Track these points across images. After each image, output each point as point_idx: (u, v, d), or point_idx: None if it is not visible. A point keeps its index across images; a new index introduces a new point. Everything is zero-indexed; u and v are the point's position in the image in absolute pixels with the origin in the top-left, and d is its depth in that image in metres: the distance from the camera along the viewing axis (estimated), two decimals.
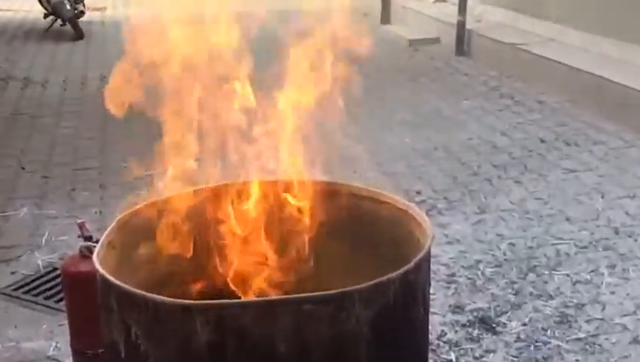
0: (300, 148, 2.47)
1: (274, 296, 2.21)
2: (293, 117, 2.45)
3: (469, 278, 4.06)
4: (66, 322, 3.09)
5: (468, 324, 3.66)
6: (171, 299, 1.97)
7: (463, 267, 4.18)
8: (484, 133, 6.36)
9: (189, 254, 2.39)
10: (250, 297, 2.25)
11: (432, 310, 3.63)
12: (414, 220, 2.37)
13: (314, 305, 1.91)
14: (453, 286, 3.99)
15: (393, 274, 2.02)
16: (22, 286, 4.07)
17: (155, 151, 2.39)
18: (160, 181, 2.45)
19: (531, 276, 4.07)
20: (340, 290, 1.97)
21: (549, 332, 3.59)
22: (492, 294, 3.91)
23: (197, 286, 2.42)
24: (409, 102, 7.31)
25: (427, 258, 2.22)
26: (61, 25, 10.66)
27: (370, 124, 6.53)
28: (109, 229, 2.32)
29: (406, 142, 6.20)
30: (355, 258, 2.44)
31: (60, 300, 3.79)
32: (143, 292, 1.99)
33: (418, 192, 5.16)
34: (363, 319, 1.98)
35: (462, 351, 3.46)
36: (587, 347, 3.47)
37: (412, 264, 2.08)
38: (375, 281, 1.99)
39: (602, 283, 3.99)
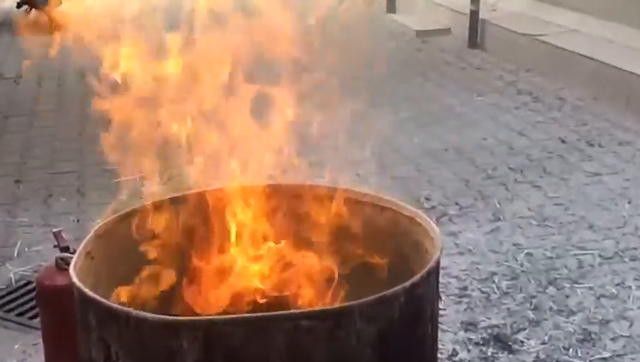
0: (297, 149, 2.48)
1: (267, 311, 2.21)
2: (289, 115, 2.46)
3: (482, 292, 4.06)
4: (41, 340, 3.09)
5: (482, 343, 3.66)
6: (155, 315, 1.97)
7: (476, 280, 4.18)
8: (500, 132, 6.36)
9: (177, 265, 2.40)
10: (242, 313, 2.25)
11: (442, 327, 3.64)
12: (422, 228, 2.38)
13: (311, 322, 1.91)
14: (465, 300, 3.99)
15: (398, 288, 2.02)
16: None
17: (140, 153, 2.40)
18: (145, 185, 2.46)
19: (551, 289, 4.07)
20: (339, 305, 1.98)
21: (570, 351, 3.59)
22: (508, 309, 3.91)
23: (184, 301, 2.42)
24: (417, 99, 7.31)
25: (436, 270, 2.22)
26: (36, 15, 10.67)
27: (374, 123, 6.52)
28: (87, 239, 2.32)
29: (414, 142, 6.20)
30: (356, 270, 2.44)
31: (35, 316, 3.79)
32: (124, 308, 2.00)
33: (427, 198, 5.16)
34: (365, 337, 1.98)
35: None
36: None
37: (419, 276, 2.08)
38: (378, 295, 1.99)
39: (629, 297, 3.99)
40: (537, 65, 7.94)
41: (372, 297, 1.99)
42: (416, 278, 2.07)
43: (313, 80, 2.51)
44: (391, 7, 10.94)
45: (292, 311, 1.98)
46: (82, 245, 2.30)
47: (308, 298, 2.29)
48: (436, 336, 2.31)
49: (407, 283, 2.05)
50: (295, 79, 2.48)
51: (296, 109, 2.46)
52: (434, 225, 2.34)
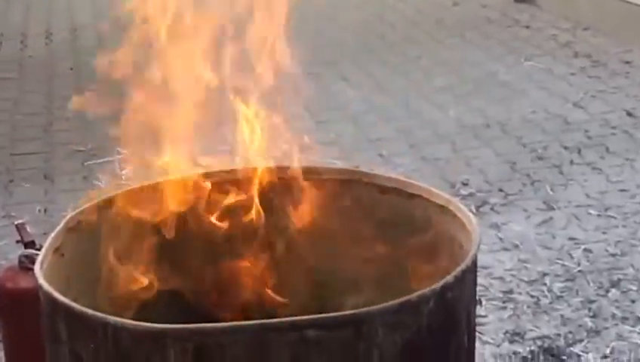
0: (307, 125, 2.49)
1: (270, 317, 2.23)
2: (300, 83, 2.47)
3: (531, 296, 4.07)
4: (2, 353, 3.12)
5: (530, 357, 3.67)
6: (138, 323, 1.98)
7: (523, 281, 4.19)
8: (552, 104, 6.35)
9: (162, 264, 2.41)
10: (240, 320, 2.27)
11: (481, 338, 3.65)
12: (457, 219, 2.38)
13: (321, 331, 1.92)
14: (510, 306, 4.00)
15: (427, 291, 2.03)
16: None
17: (117, 129, 2.41)
18: (124, 168, 2.47)
19: (614, 293, 4.08)
20: (356, 311, 1.98)
21: None
22: (562, 317, 3.92)
23: (172, 306, 2.45)
24: (453, 64, 7.30)
25: (473, 269, 2.23)
26: None
27: (402, 94, 6.53)
28: (55, 232, 2.34)
29: (449, 116, 6.20)
30: (377, 269, 2.46)
31: None
32: (101, 314, 2.01)
33: (464, 183, 5.17)
34: (388, 350, 1.99)
35: None
36: None
37: (452, 277, 2.08)
38: (403, 299, 2.00)
39: None
40: (598, 23, 7.91)
41: (396, 302, 2.00)
42: (448, 279, 2.08)
43: (326, 41, 2.52)
44: None
45: (298, 317, 1.98)
46: (50, 240, 2.31)
47: (318, 302, 2.31)
48: (474, 349, 2.32)
49: (438, 285, 2.05)
50: (304, 39, 2.49)
51: (305, 76, 2.47)
52: (471, 216, 2.35)
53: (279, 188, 2.48)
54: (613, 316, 3.91)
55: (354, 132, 5.77)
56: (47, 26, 8.33)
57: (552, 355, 3.67)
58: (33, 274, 2.18)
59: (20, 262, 2.92)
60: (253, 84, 2.46)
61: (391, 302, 1.99)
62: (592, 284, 4.14)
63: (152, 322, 1.98)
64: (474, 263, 2.21)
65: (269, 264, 2.43)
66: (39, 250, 2.35)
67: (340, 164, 2.86)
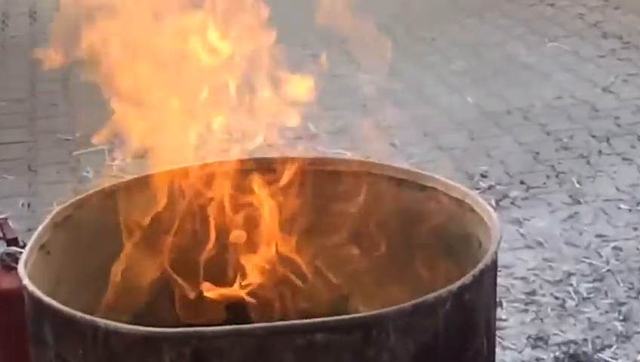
0: (314, 112, 2.49)
1: (274, 321, 2.24)
2: (307, 67, 2.48)
3: (556, 298, 4.07)
4: None
5: None
6: (130, 326, 1.99)
7: (547, 282, 4.19)
8: (579, 89, 6.34)
9: (157, 262, 2.42)
10: (242, 323, 2.27)
11: (502, 343, 3.66)
12: (475, 214, 2.39)
13: (329, 335, 1.93)
14: (533, 309, 4.00)
15: (443, 292, 2.04)
16: None
17: (107, 116, 2.42)
18: (115, 158, 2.47)
19: None
20: (367, 314, 1.99)
21: None
22: (589, 320, 3.92)
23: (168, 309, 2.45)
24: (471, 45, 7.29)
25: (493, 268, 2.23)
26: None
27: (416, 78, 6.52)
28: (41, 228, 2.35)
29: (467, 102, 6.19)
30: (389, 268, 2.46)
31: None
32: (89, 317, 2.02)
33: (484, 175, 5.17)
34: (400, 355, 1.99)
35: None
36: None
37: (470, 277, 2.09)
38: (417, 301, 2.01)
39: None
40: (629, 1, 7.89)
41: (409, 303, 2.00)
42: (466, 279, 2.08)
43: (334, 20, 2.53)
44: None
45: (304, 320, 1.99)
46: (35, 236, 2.32)
47: (324, 304, 2.31)
48: (493, 355, 2.32)
49: (455, 286, 2.06)
50: (310, 18, 2.50)
51: (311, 58, 2.47)
52: (491, 211, 2.36)
53: (284, 181, 2.48)
54: None
55: (364, 119, 5.77)
56: (30, 3, 8.33)
57: (579, 361, 3.67)
58: (16, 274, 2.19)
59: (2, 260, 2.92)
60: (253, 68, 2.47)
61: (404, 304, 2.00)
62: (622, 285, 4.14)
63: (149, 325, 1.99)
64: (494, 262, 2.22)
65: (273, 262, 2.43)
66: (23, 247, 2.36)
67: (349, 155, 2.87)
